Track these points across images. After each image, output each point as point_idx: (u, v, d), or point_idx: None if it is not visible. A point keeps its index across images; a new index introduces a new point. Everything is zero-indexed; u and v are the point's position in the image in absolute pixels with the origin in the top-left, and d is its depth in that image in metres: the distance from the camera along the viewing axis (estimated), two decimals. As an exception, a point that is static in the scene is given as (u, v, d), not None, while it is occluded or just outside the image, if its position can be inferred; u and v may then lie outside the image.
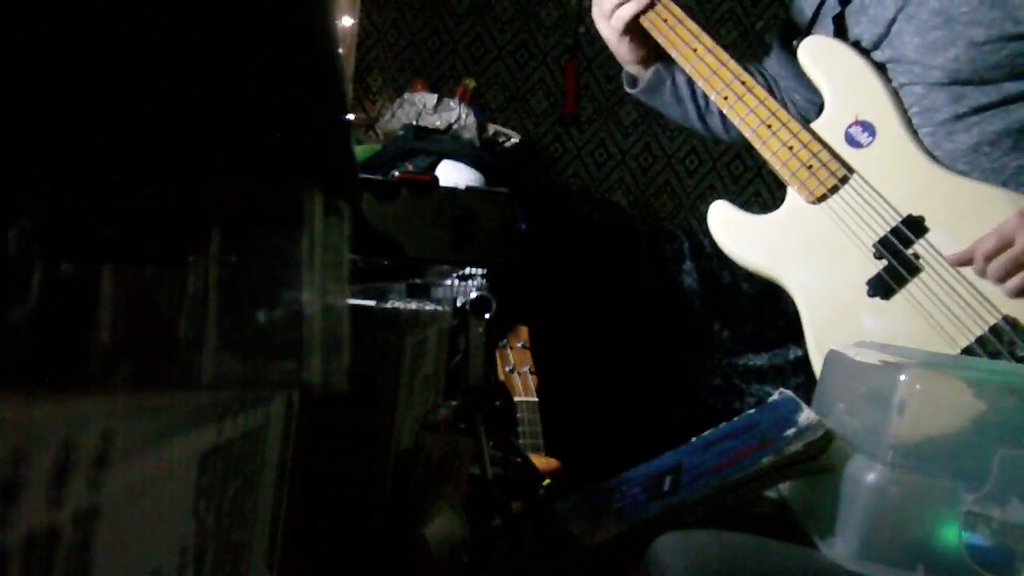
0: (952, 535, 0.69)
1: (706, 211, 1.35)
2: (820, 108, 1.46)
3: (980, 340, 1.12)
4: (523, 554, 0.82)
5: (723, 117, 1.49)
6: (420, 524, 0.69)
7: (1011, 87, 1.20)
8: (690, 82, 1.48)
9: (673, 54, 1.35)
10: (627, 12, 1.37)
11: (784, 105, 1.32)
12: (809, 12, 1.39)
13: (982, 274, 1.13)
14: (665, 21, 1.35)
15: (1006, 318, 1.11)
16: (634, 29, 1.39)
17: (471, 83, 2.22)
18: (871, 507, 0.71)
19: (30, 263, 0.33)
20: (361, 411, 0.69)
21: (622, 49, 1.45)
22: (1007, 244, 1.10)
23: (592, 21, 1.55)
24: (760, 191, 2.39)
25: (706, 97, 1.48)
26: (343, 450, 0.69)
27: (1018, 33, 1.17)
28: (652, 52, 1.45)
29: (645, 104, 1.58)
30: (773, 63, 1.53)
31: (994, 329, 1.12)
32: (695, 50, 1.34)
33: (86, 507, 0.28)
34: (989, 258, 1.11)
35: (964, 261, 1.14)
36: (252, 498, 0.45)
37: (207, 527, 0.38)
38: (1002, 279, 1.11)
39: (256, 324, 0.37)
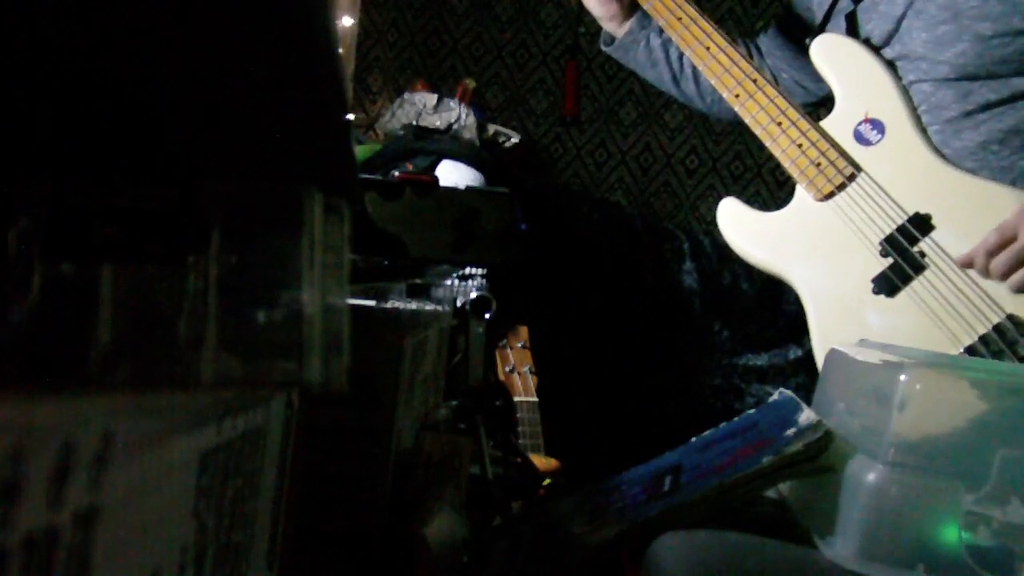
0: (952, 535, 0.69)
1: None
2: (805, 90, 1.47)
3: (983, 339, 1.12)
4: (523, 554, 0.82)
5: (697, 83, 1.51)
6: (420, 524, 0.69)
7: (1019, 83, 1.20)
8: (665, 45, 1.50)
9: (688, 52, 1.37)
10: None
11: (762, 72, 1.33)
12: (821, 10, 1.39)
13: (984, 271, 1.12)
14: (680, 20, 1.36)
15: (1010, 317, 1.11)
16: None
17: (471, 83, 2.22)
18: (871, 507, 0.71)
19: (30, 263, 0.33)
20: (361, 411, 0.69)
21: (594, 3, 1.49)
22: (1009, 240, 1.10)
23: (592, 20, 1.55)
24: (760, 191, 2.38)
25: (681, 61, 1.51)
26: (343, 450, 0.69)
27: None
28: (626, 9, 1.47)
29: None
30: (765, 38, 1.54)
31: (997, 328, 1.12)
32: (708, 48, 1.35)
33: (86, 507, 0.28)
34: (991, 254, 1.11)
35: (968, 262, 1.14)
36: (252, 498, 0.45)
37: (207, 527, 0.38)
38: (1004, 275, 1.11)
39: (256, 324, 0.37)
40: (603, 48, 1.57)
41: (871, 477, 0.71)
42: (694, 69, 1.49)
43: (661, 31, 1.44)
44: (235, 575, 0.43)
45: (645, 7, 1.40)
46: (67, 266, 0.34)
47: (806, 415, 0.83)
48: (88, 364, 0.32)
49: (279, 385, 0.46)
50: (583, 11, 1.56)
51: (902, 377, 0.72)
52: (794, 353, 1.87)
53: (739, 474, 0.79)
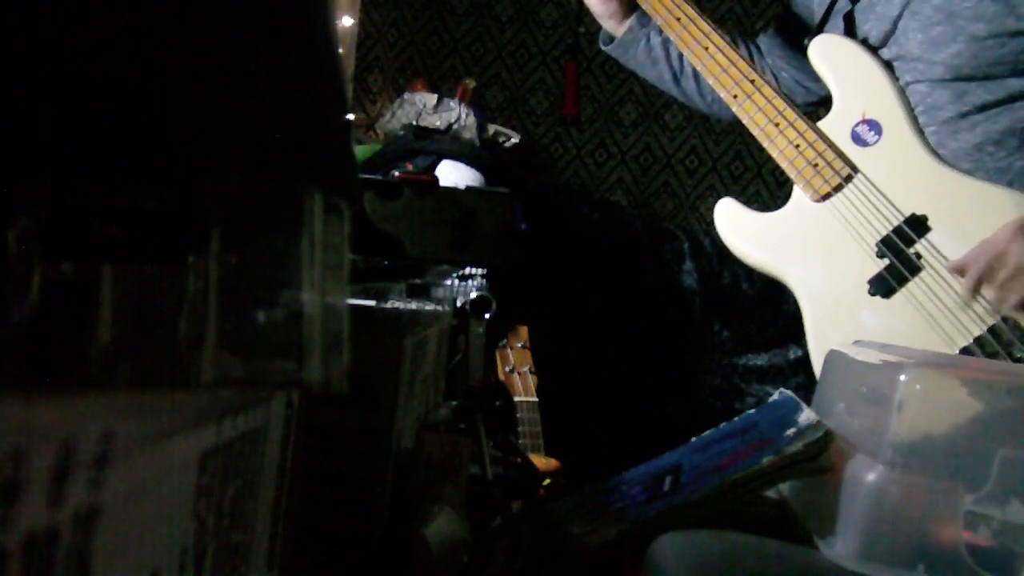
0: (952, 535, 0.69)
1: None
2: (807, 90, 1.47)
3: (979, 340, 1.12)
4: (523, 554, 0.82)
5: (698, 81, 1.51)
6: (420, 524, 0.69)
7: (1014, 84, 1.20)
8: (665, 43, 1.49)
9: (686, 52, 1.36)
10: None
11: (763, 75, 1.33)
12: (820, 10, 1.39)
13: (975, 290, 1.12)
14: (679, 20, 1.36)
15: (1005, 319, 1.11)
16: None
17: (471, 83, 2.22)
18: (871, 507, 0.71)
19: (30, 263, 0.33)
20: (361, 411, 0.69)
21: (594, 1, 1.47)
22: (1000, 259, 1.10)
23: (592, 20, 1.55)
24: (760, 191, 2.38)
25: (681, 60, 1.50)
26: (343, 450, 0.69)
27: (1020, 29, 1.17)
28: (626, 6, 1.47)
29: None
30: (765, 38, 1.54)
31: (992, 330, 1.12)
32: (706, 48, 1.35)
33: (86, 507, 0.28)
34: (984, 280, 1.11)
35: (958, 269, 1.14)
36: (252, 498, 0.45)
37: (207, 527, 0.38)
38: (996, 304, 1.11)
39: (256, 324, 0.37)
40: (602, 47, 1.57)
41: (871, 477, 0.71)
42: (695, 68, 1.49)
43: (661, 30, 1.44)
44: (235, 575, 0.43)
45: (644, 6, 1.40)
46: (67, 266, 0.34)
47: (806, 415, 0.83)
48: (88, 364, 0.32)
49: (279, 385, 0.46)
50: (583, 11, 1.56)
51: (902, 377, 0.72)
52: (794, 353, 1.87)
53: (739, 474, 0.79)
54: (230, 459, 0.40)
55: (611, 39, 1.54)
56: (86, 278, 0.33)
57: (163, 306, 0.35)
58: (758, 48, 1.54)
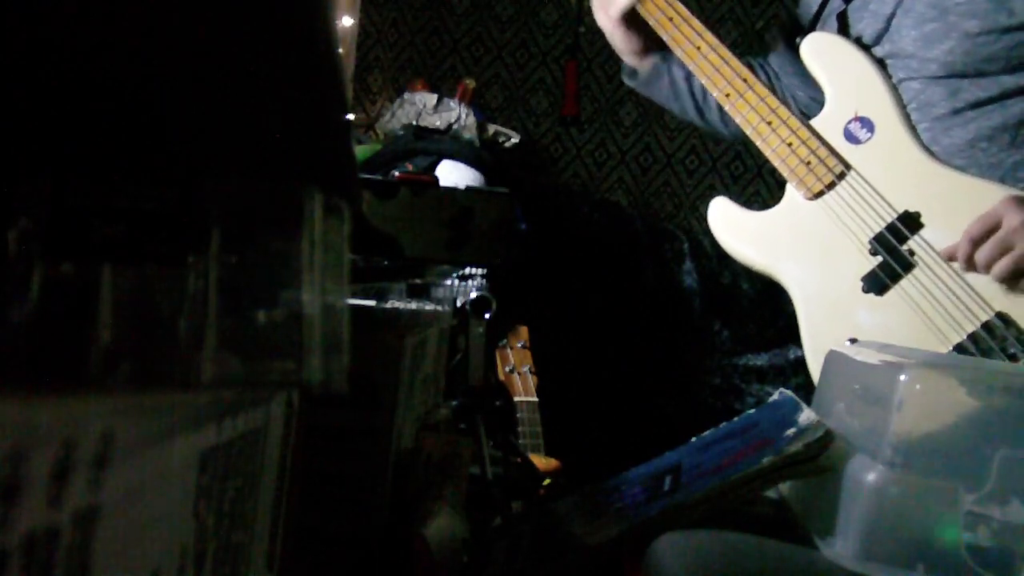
0: (952, 535, 0.69)
1: (706, 211, 1.36)
2: (822, 105, 1.47)
3: (973, 337, 1.12)
4: (523, 554, 0.82)
5: (721, 111, 1.50)
6: (420, 524, 0.69)
7: (1007, 81, 1.21)
8: (688, 77, 1.49)
9: (677, 52, 1.36)
10: (624, 1, 1.39)
11: (784, 101, 1.33)
12: (813, 9, 1.39)
13: (967, 259, 1.12)
14: (671, 20, 1.36)
15: (999, 315, 1.11)
16: (630, 19, 1.41)
17: (471, 83, 2.22)
18: (871, 507, 0.71)
19: (30, 263, 0.33)
20: (361, 411, 0.69)
21: (617, 38, 1.47)
22: (993, 229, 1.10)
23: (592, 20, 1.55)
24: (760, 191, 2.38)
25: (704, 92, 1.49)
26: (343, 450, 0.69)
27: (1012, 25, 1.17)
28: (649, 42, 1.46)
29: (645, 97, 1.59)
30: (775, 59, 1.54)
31: (987, 326, 1.12)
32: (698, 48, 1.35)
33: (86, 507, 0.28)
34: (975, 243, 1.11)
35: (952, 255, 1.14)
36: (252, 498, 0.45)
37: (207, 527, 0.38)
38: (988, 264, 1.10)
39: (256, 324, 0.37)
40: (625, 80, 1.56)
41: (871, 477, 0.71)
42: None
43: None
44: (235, 575, 0.43)
45: (638, 8, 1.40)
46: (67, 266, 0.34)
47: (806, 415, 0.83)
48: (88, 364, 0.32)
49: (279, 385, 0.46)
50: (583, 11, 1.56)
51: (902, 377, 0.72)
52: (794, 353, 1.87)
53: (739, 474, 0.79)
54: (230, 459, 0.40)
55: (633, 72, 1.53)
56: (86, 278, 0.33)
57: (163, 306, 0.35)
58: (775, 73, 1.53)
